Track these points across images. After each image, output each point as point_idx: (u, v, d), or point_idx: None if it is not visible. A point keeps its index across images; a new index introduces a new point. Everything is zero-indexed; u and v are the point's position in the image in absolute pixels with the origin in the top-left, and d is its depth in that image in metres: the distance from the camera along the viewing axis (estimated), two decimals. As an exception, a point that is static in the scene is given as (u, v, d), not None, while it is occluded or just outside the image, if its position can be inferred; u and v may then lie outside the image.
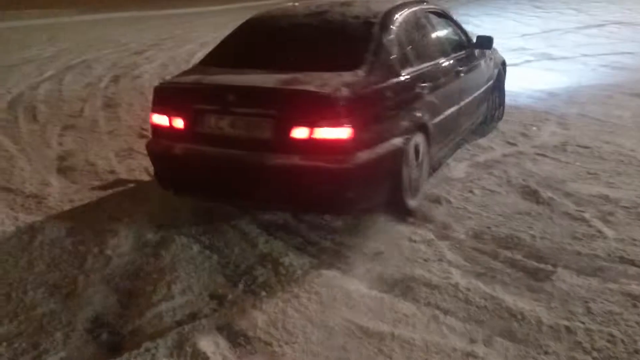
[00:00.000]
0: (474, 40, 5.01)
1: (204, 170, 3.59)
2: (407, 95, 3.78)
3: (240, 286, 3.06)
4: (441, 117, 4.19)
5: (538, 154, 4.91)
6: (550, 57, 9.53)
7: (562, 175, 4.43)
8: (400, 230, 3.66)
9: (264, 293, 2.98)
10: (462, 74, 4.61)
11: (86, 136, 5.99)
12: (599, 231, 3.51)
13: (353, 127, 3.23)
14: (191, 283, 3.10)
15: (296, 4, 4.54)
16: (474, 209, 3.94)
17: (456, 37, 4.90)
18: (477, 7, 17.35)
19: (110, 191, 4.46)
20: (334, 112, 3.23)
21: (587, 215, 3.71)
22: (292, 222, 3.80)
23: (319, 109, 3.25)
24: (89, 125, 6.42)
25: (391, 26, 3.94)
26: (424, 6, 4.61)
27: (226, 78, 3.67)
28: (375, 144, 3.40)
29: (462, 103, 4.62)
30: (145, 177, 4.71)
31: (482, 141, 5.33)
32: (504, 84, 5.95)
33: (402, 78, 3.74)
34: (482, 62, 5.21)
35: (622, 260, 3.19)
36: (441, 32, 4.73)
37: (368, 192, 3.53)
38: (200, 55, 10.98)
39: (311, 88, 3.30)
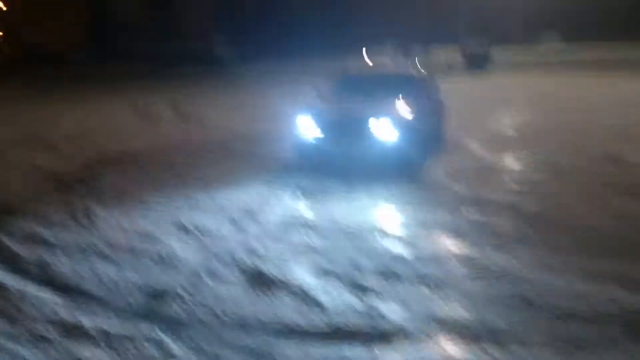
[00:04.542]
0: None
1: None
2: None
3: None
4: None
5: (263, 234, 5.13)
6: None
7: (285, 254, 4.68)
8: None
9: None
10: None
11: None
12: (319, 304, 3.75)
13: None
14: None
15: None
16: (205, 299, 3.90)
17: None
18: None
19: None
20: None
21: (308, 291, 3.95)
22: None
23: None
24: None
25: None
26: None
27: None
28: None
29: None
30: None
31: (211, 225, 5.38)
32: None
33: None
34: None
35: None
36: None
37: None
38: None
39: None
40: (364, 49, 33.38)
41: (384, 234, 5.10)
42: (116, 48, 56.28)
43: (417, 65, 11.02)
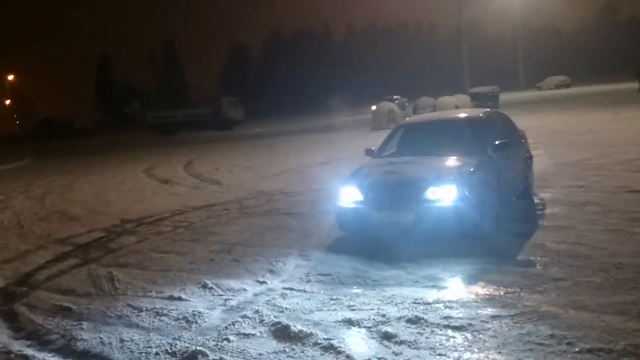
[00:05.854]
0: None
1: None
2: None
3: None
4: None
5: (286, 289, 5.08)
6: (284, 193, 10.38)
7: (309, 305, 4.61)
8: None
9: None
10: None
11: None
12: (348, 356, 3.65)
13: None
14: None
15: None
16: (231, 358, 3.81)
17: None
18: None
19: None
20: None
21: (335, 342, 3.85)
22: None
23: None
24: None
25: None
26: None
27: None
28: None
29: None
30: None
31: (234, 284, 5.34)
32: None
33: None
34: None
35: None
36: None
37: None
38: None
39: None
40: (373, 107, 33.73)
41: (408, 280, 5.02)
42: (127, 116, 57.62)
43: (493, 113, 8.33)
